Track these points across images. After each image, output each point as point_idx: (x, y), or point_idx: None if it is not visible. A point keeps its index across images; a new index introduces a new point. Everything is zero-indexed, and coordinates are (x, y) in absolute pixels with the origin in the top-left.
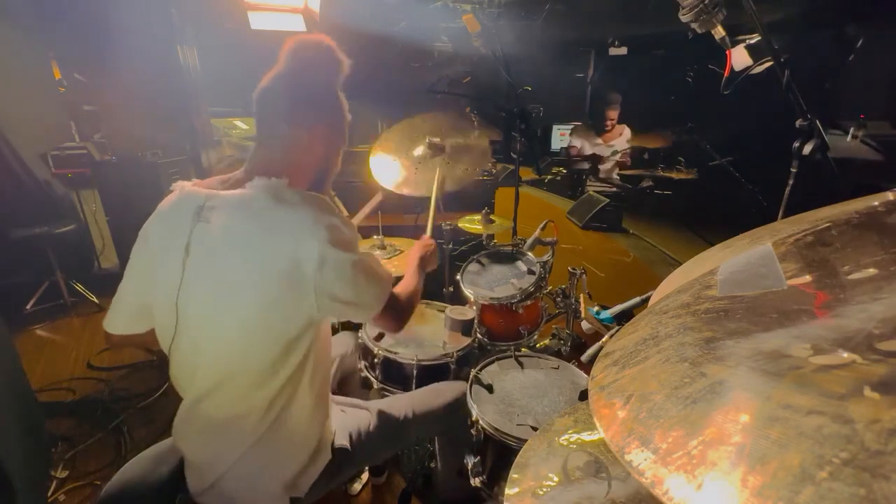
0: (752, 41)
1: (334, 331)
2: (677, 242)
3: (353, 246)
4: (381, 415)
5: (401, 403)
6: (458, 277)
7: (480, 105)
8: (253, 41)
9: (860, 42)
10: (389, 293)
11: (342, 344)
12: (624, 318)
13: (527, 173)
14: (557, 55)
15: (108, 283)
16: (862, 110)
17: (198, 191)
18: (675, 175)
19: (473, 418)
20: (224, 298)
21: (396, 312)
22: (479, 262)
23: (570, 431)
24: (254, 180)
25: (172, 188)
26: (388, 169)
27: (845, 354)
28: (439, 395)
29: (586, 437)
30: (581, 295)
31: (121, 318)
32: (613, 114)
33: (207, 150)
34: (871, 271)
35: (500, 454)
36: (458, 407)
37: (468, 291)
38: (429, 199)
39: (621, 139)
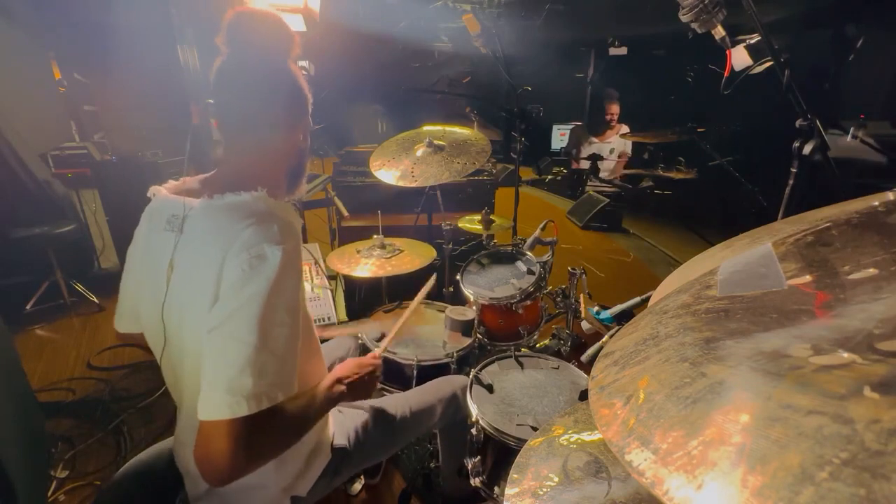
0: (752, 41)
1: None
2: (677, 242)
3: (278, 285)
4: (380, 414)
5: (399, 402)
6: (458, 277)
7: (480, 105)
8: None
9: (860, 42)
10: (273, 391)
11: (341, 346)
12: (624, 318)
13: (527, 173)
14: (557, 55)
15: (108, 283)
16: (862, 110)
17: (173, 199)
18: (675, 175)
19: (473, 418)
20: (192, 314)
21: (255, 429)
22: (479, 262)
23: (570, 431)
24: (226, 196)
25: (150, 194)
26: (390, 169)
27: (845, 354)
28: (438, 392)
29: (586, 437)
30: (581, 295)
31: (124, 318)
32: (614, 108)
33: (207, 150)
34: (871, 271)
35: (500, 454)
36: (457, 402)
37: (468, 291)
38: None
39: (617, 137)
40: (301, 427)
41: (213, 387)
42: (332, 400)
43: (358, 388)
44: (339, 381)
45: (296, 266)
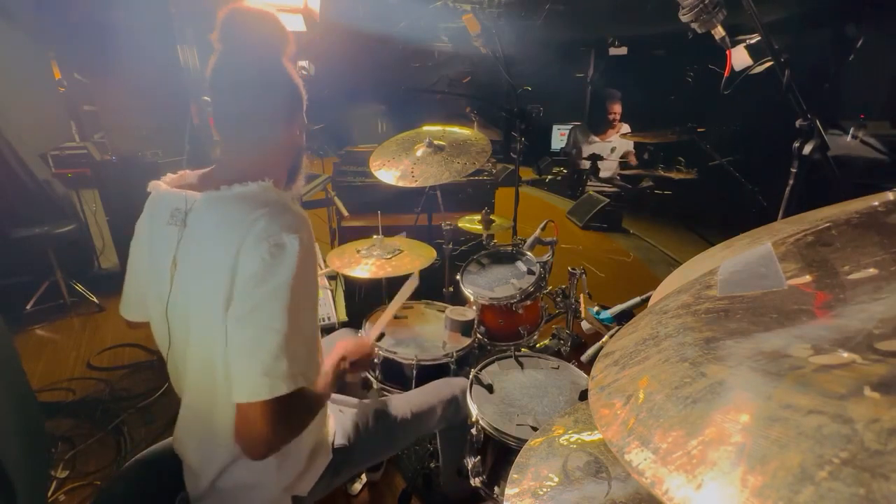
0: (752, 41)
1: (332, 328)
2: (677, 242)
3: (300, 273)
4: (381, 414)
5: (400, 403)
6: (458, 277)
7: (480, 105)
8: None
9: (860, 42)
10: (307, 371)
11: (340, 339)
12: (624, 318)
13: (527, 173)
14: (557, 55)
15: (108, 283)
16: (862, 110)
17: (175, 192)
18: (675, 175)
19: (473, 418)
20: (199, 306)
21: (291, 407)
22: (479, 262)
23: (570, 431)
24: (233, 187)
25: (149, 189)
26: (390, 169)
27: (845, 354)
28: (438, 393)
29: (586, 437)
30: (581, 295)
31: (130, 306)
32: (617, 107)
33: (207, 150)
34: (871, 271)
35: (500, 454)
36: (457, 404)
37: (468, 291)
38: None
39: (618, 137)
40: (320, 402)
41: (249, 372)
42: (340, 374)
43: (358, 365)
44: (343, 358)
45: (312, 252)
